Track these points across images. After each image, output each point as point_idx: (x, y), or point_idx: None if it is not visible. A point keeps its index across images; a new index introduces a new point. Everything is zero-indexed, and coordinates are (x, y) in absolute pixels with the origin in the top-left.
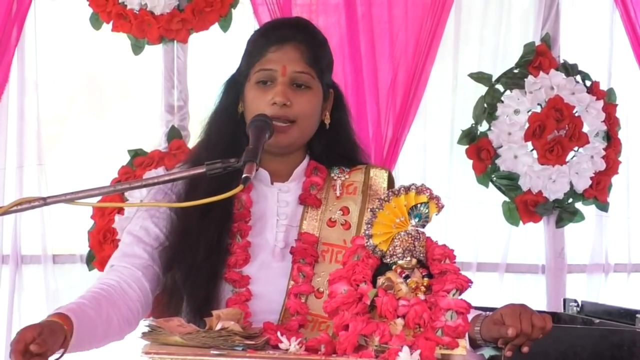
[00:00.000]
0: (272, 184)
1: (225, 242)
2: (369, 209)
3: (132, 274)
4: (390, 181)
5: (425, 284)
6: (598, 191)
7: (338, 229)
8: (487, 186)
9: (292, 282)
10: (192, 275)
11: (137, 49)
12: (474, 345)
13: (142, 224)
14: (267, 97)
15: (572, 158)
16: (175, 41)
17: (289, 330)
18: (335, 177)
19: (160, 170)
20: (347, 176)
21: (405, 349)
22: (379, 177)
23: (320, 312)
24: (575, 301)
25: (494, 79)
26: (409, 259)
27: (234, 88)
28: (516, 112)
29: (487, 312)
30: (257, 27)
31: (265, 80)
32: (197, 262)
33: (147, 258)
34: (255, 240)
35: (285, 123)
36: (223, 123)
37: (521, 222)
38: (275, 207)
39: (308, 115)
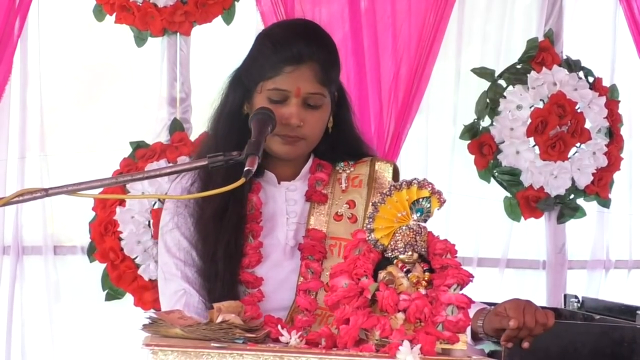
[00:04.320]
0: (279, 183)
1: (240, 244)
2: (371, 203)
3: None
4: (395, 174)
5: (426, 278)
6: (600, 187)
7: (345, 222)
8: (488, 181)
9: (301, 279)
10: (214, 281)
11: (140, 41)
12: (476, 338)
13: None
14: (278, 113)
15: (574, 154)
16: (178, 33)
17: (299, 327)
18: (340, 171)
19: (162, 163)
20: (352, 169)
21: (406, 343)
22: (384, 170)
23: None
24: (576, 297)
25: (496, 74)
26: (410, 253)
27: (240, 87)
28: (518, 107)
29: (490, 307)
30: (259, 20)
31: (278, 99)
32: (218, 270)
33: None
34: (267, 240)
35: (294, 138)
36: (230, 123)
37: (522, 218)
38: (284, 206)
39: (317, 133)
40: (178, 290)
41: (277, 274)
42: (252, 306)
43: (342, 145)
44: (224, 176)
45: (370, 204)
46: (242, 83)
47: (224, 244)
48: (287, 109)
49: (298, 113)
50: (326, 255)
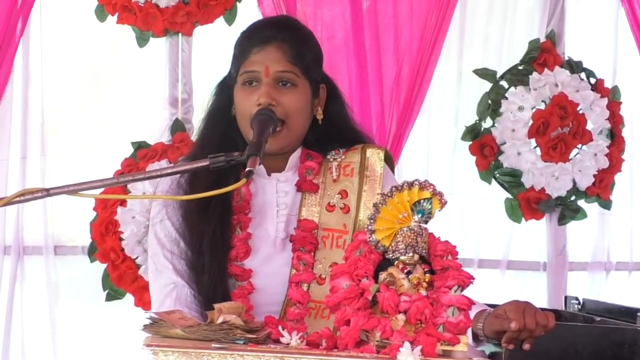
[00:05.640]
0: (269, 175)
1: (227, 236)
2: (372, 204)
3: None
4: (388, 160)
5: (427, 280)
6: (601, 189)
7: (337, 213)
8: (490, 183)
9: (293, 271)
10: (202, 274)
11: (141, 41)
12: (476, 340)
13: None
14: (253, 98)
15: (575, 155)
16: (180, 34)
17: (291, 320)
18: (331, 159)
19: (164, 163)
20: (343, 157)
21: (407, 344)
22: (375, 158)
23: (323, 298)
24: (577, 299)
25: (498, 75)
26: (411, 254)
27: (226, 90)
28: (520, 108)
29: (490, 309)
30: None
31: (250, 81)
32: (205, 262)
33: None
34: (256, 232)
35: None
36: (215, 125)
37: (523, 219)
38: (274, 198)
39: (295, 112)
40: (168, 284)
41: (268, 268)
42: (243, 299)
43: (334, 136)
44: (208, 174)
45: (372, 204)
46: (227, 86)
47: (209, 234)
48: (259, 90)
49: (269, 91)
50: (318, 247)
